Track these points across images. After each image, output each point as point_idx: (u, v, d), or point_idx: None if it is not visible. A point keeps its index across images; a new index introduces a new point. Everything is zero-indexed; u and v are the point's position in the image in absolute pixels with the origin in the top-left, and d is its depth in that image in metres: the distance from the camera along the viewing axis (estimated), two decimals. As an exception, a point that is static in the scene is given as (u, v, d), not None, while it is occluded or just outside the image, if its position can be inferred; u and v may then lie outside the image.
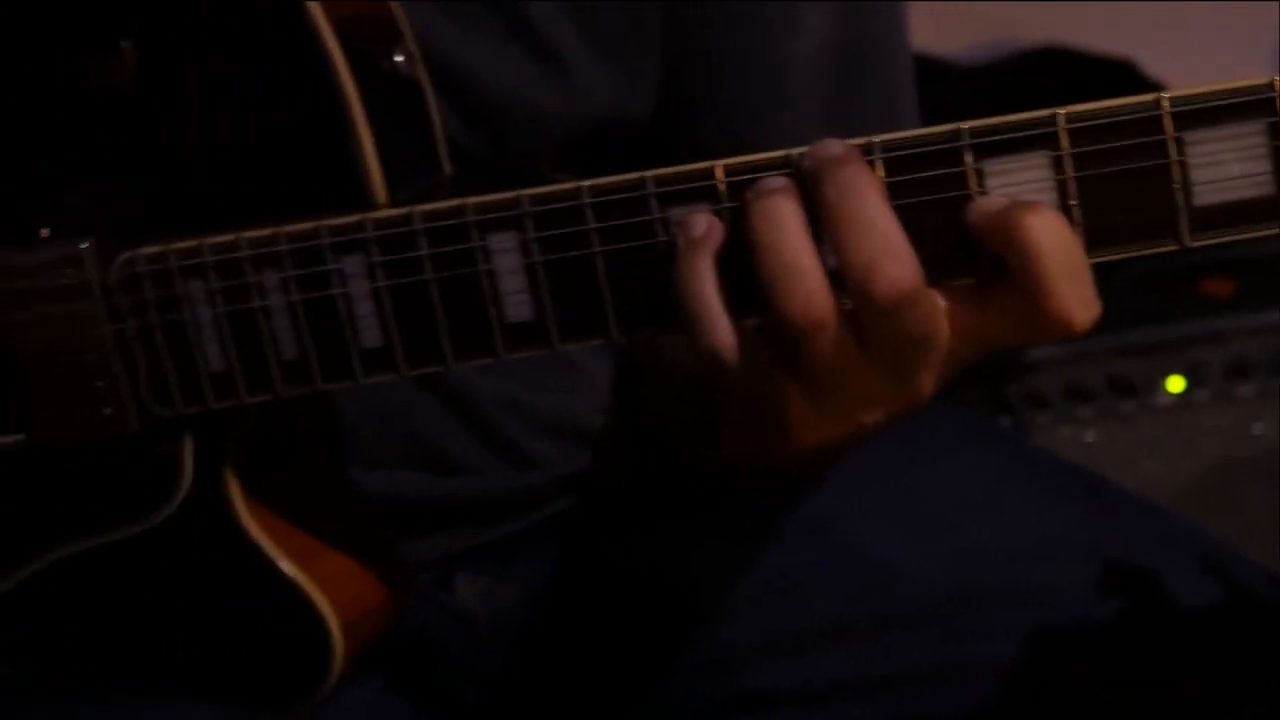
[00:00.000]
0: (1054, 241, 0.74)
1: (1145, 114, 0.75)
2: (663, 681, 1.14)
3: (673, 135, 1.07)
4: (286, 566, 0.92)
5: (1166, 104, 0.74)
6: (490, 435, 1.11)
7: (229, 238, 0.85)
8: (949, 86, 1.97)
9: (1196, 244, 0.76)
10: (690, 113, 1.08)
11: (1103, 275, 0.78)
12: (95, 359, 0.89)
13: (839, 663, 1.10)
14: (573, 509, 1.15)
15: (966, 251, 0.77)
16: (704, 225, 0.78)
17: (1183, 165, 0.75)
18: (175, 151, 0.88)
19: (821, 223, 0.76)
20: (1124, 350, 1.68)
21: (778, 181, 0.77)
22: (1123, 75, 1.92)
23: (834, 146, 0.76)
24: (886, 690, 1.09)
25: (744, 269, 0.78)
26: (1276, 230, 0.76)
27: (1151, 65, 1.94)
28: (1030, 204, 0.75)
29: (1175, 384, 1.67)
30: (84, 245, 0.88)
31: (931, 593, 1.09)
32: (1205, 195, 0.75)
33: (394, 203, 0.86)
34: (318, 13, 0.85)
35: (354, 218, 0.84)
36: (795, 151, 0.78)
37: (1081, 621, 1.05)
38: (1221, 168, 0.75)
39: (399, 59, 0.89)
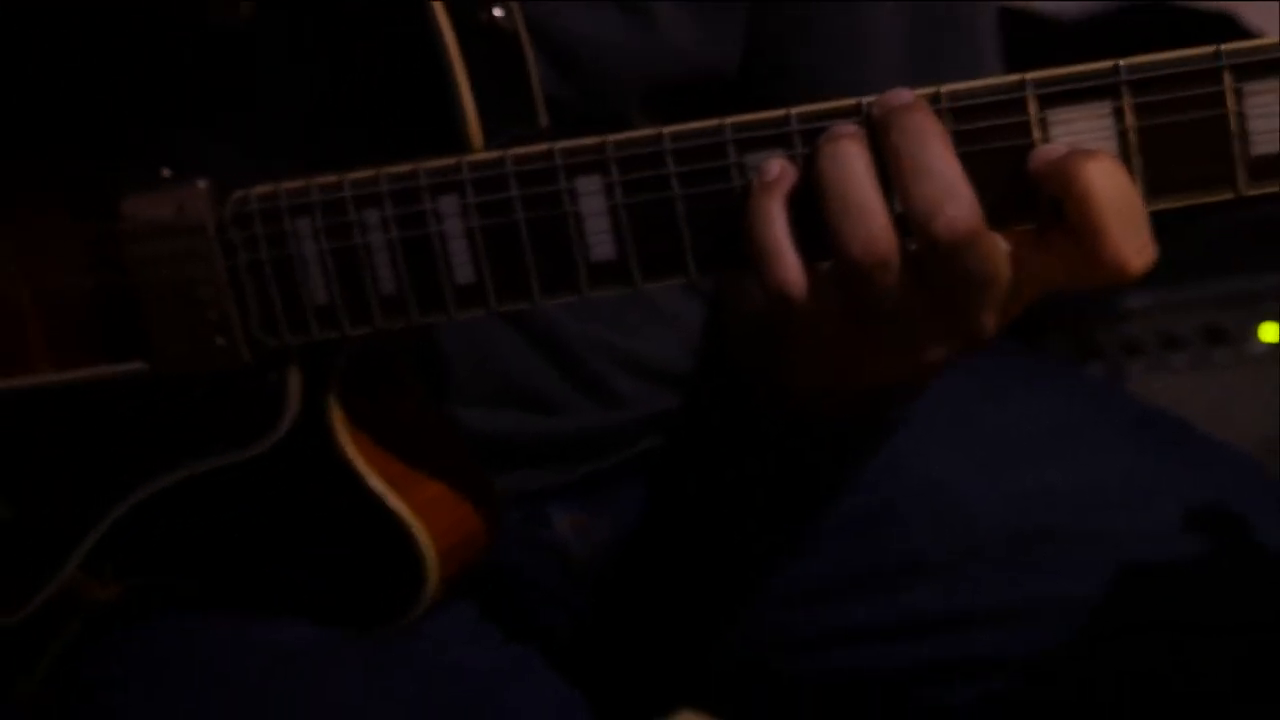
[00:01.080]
0: (1111, 188, 0.75)
1: (1205, 66, 0.76)
2: (746, 616, 1.16)
3: (757, 90, 1.07)
4: (384, 492, 0.94)
5: (1225, 55, 0.75)
6: (581, 376, 1.12)
7: (334, 178, 0.88)
8: (1053, 42, 1.94)
9: (1253, 193, 0.77)
10: (774, 67, 1.08)
11: (1179, 224, 0.80)
12: (209, 292, 0.91)
13: (916, 599, 1.11)
14: (661, 447, 1.16)
15: (1028, 197, 0.78)
16: (777, 169, 0.80)
17: (1240, 115, 0.75)
18: (286, 94, 0.90)
19: (888, 167, 0.78)
20: (1219, 298, 1.66)
21: (847, 127, 0.79)
22: (1225, 27, 1.89)
23: (902, 95, 0.78)
24: (962, 626, 1.10)
25: (814, 213, 0.79)
26: (1333, 179, 0.76)
27: (1252, 17, 1.91)
28: (1089, 152, 0.76)
29: (1270, 332, 1.65)
30: (201, 184, 0.90)
31: (1009, 531, 1.09)
32: (1262, 145, 0.76)
33: (489, 149, 0.87)
34: None
35: (450, 160, 0.86)
36: (866, 100, 0.79)
37: (1158, 565, 1.06)
38: (1278, 118, 0.75)
39: (498, 12, 0.90)
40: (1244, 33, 1.88)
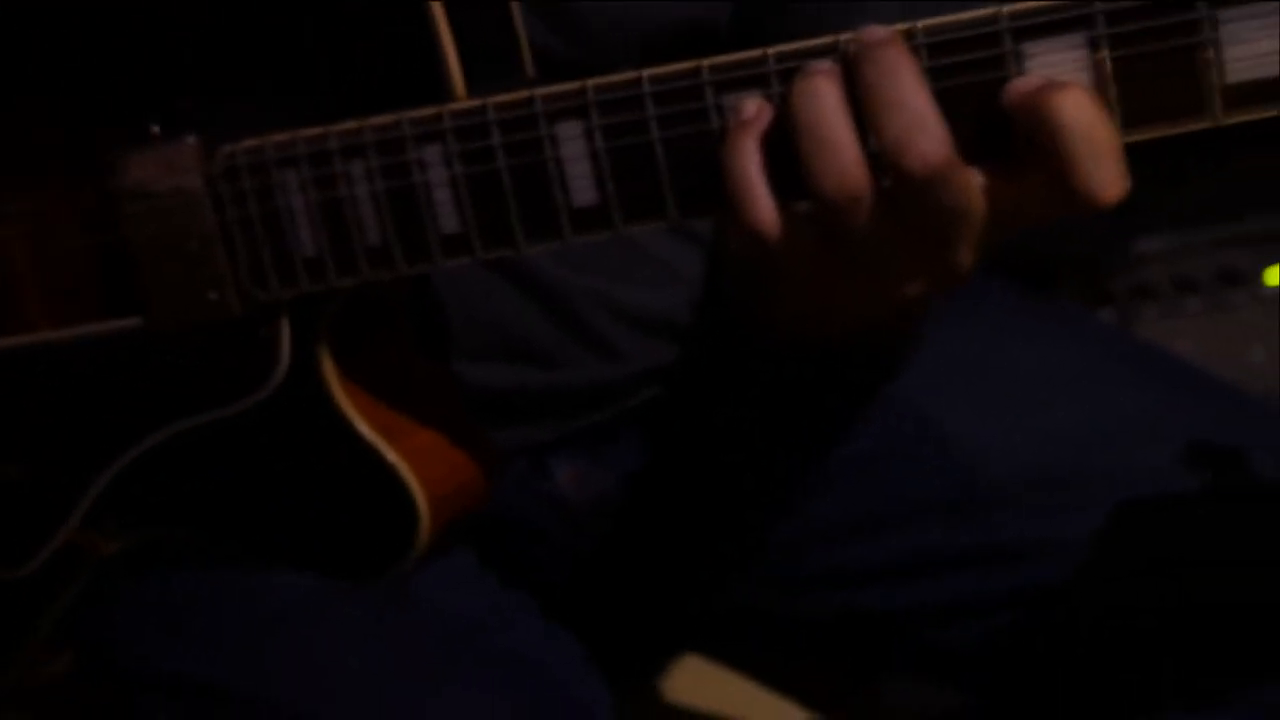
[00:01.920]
0: (1081, 119, 0.75)
1: (1177, -7, 0.75)
2: (747, 560, 1.16)
3: (752, 40, 1.07)
4: (376, 440, 0.94)
5: None
6: (579, 328, 1.12)
7: (319, 131, 0.88)
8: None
9: (1229, 120, 0.76)
10: (767, 21, 1.06)
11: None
12: (200, 246, 0.91)
13: (918, 541, 1.12)
14: (662, 398, 1.17)
15: (1002, 130, 0.78)
16: (753, 109, 0.80)
17: (1215, 43, 0.75)
18: (268, 48, 0.90)
19: (861, 103, 0.78)
20: (1230, 239, 1.65)
21: (821, 64, 0.79)
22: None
23: (877, 31, 0.78)
24: (964, 567, 1.11)
25: (789, 150, 0.79)
26: (1308, 105, 0.76)
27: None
28: (1061, 84, 0.75)
29: (1273, 276, 1.65)
30: (190, 140, 0.91)
31: (1010, 473, 1.10)
32: (1237, 73, 0.75)
33: (472, 98, 0.87)
34: None
35: (433, 110, 0.86)
36: (844, 37, 0.79)
37: (1163, 503, 1.06)
38: (1252, 45, 0.75)
39: None
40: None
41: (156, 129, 0.92)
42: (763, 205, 0.80)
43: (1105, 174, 0.75)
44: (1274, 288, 1.67)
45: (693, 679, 1.34)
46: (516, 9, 0.92)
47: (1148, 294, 1.68)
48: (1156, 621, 1.06)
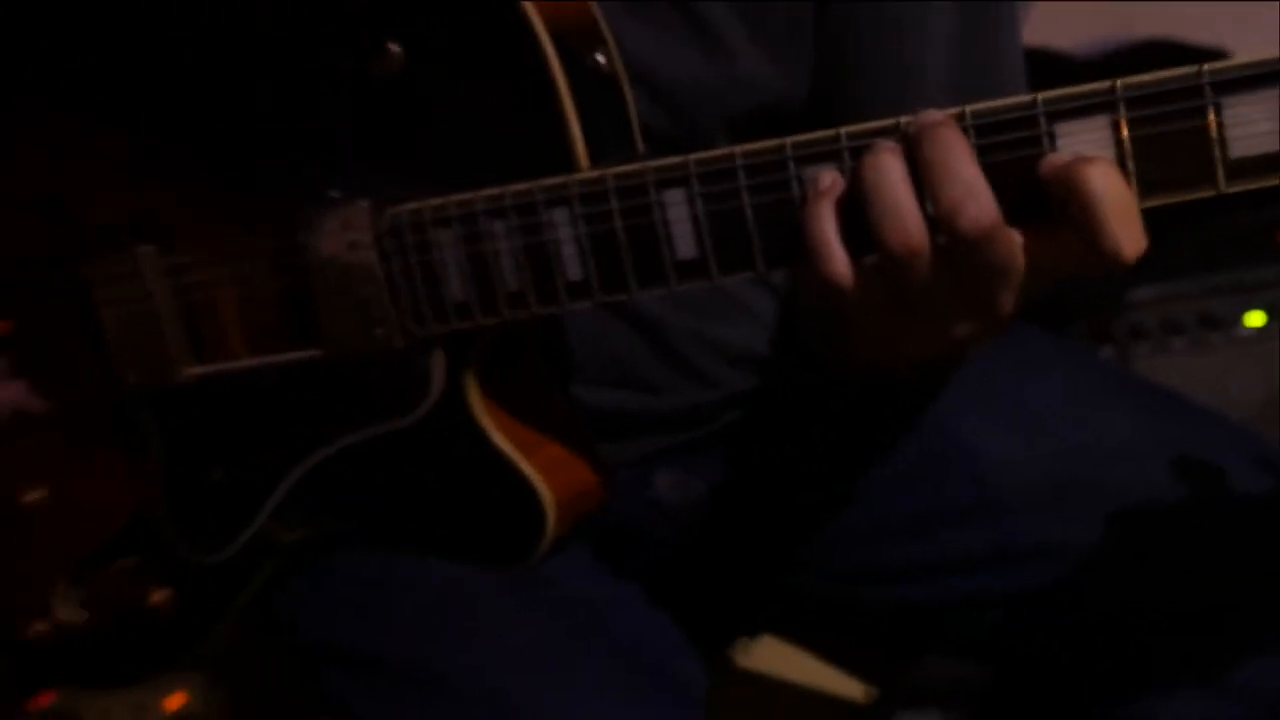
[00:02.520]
0: (1108, 189, 0.74)
1: (1189, 84, 0.74)
2: (813, 554, 1.15)
3: (821, 115, 1.05)
4: (512, 454, 0.93)
5: (1206, 74, 0.74)
6: (677, 360, 1.11)
7: (468, 196, 0.88)
8: (1070, 76, 1.92)
9: (1232, 190, 0.75)
10: (836, 102, 1.06)
11: (1170, 217, 0.78)
12: (370, 291, 0.91)
13: (949, 542, 1.10)
14: (746, 419, 1.16)
15: (1039, 198, 0.77)
16: (829, 180, 0.79)
17: (1220, 125, 0.74)
18: (428, 128, 0.90)
19: (920, 174, 0.77)
20: (1212, 289, 1.63)
21: (887, 143, 0.78)
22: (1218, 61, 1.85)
23: (934, 114, 0.77)
24: (988, 565, 1.09)
25: (860, 216, 0.79)
26: (1301, 177, 0.74)
27: (1243, 53, 1.87)
28: (1090, 159, 0.75)
29: (1255, 318, 1.62)
30: (363, 203, 0.91)
31: (1035, 486, 1.08)
32: (1238, 149, 0.74)
33: (594, 169, 0.87)
34: (536, 20, 0.86)
35: (562, 179, 0.86)
36: (904, 119, 0.79)
37: (1154, 511, 1.04)
38: (1252, 125, 0.74)
39: (600, 58, 0.89)
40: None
41: (336, 194, 0.92)
42: (837, 260, 0.79)
43: (1127, 235, 0.74)
44: (1248, 329, 1.64)
45: (767, 653, 1.33)
46: (629, 94, 0.91)
47: (1141, 335, 1.66)
48: (1147, 612, 1.05)
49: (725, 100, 1.04)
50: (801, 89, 1.06)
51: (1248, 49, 2.01)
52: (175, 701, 1.62)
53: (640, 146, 0.91)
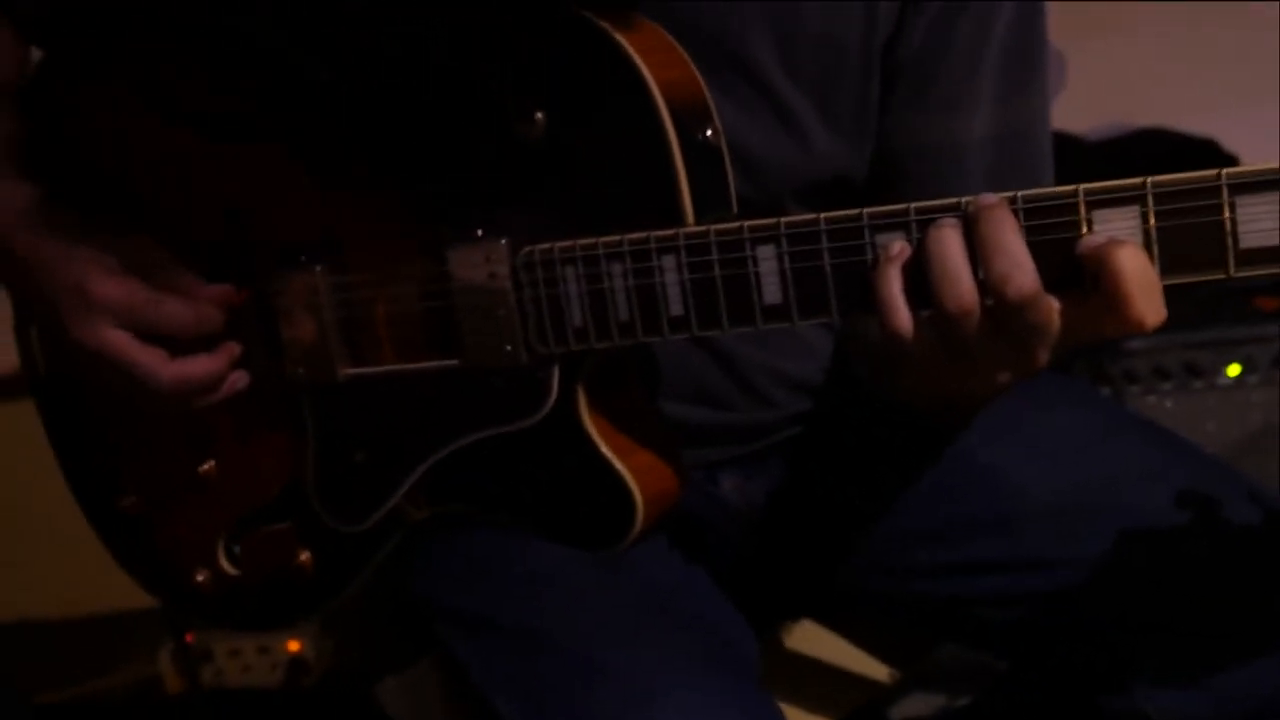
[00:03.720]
0: (1135, 268, 0.75)
1: (1209, 184, 0.75)
2: (853, 554, 1.15)
3: (878, 189, 1.06)
4: (612, 458, 0.94)
5: (1224, 177, 0.75)
6: (746, 384, 1.12)
7: (591, 241, 0.90)
8: (1079, 156, 1.92)
9: (1240, 274, 0.77)
10: (894, 175, 1.06)
11: (1182, 292, 0.79)
12: (504, 313, 0.93)
13: (972, 548, 1.10)
14: (800, 435, 1.17)
15: (1075, 272, 0.78)
16: (898, 247, 0.81)
17: (1233, 220, 0.75)
18: (561, 182, 0.91)
19: (975, 247, 0.78)
20: (1197, 344, 1.64)
21: (949, 219, 0.80)
22: (1208, 150, 1.86)
23: (990, 197, 0.79)
24: (1006, 570, 1.09)
25: (921, 277, 0.80)
26: (1300, 267, 0.75)
27: (1229, 142, 1.88)
28: (1121, 241, 0.76)
29: (1233, 370, 1.63)
30: (503, 241, 0.93)
31: (1049, 505, 1.08)
32: (1248, 240, 0.75)
33: (698, 225, 0.88)
34: (659, 101, 0.87)
35: (672, 231, 0.88)
36: (964, 200, 0.80)
37: (1158, 531, 1.04)
38: (1261, 222, 0.75)
39: (709, 133, 0.90)
40: (1225, 154, 1.84)
41: (480, 231, 0.94)
42: (901, 314, 0.81)
43: (1150, 307, 0.76)
44: (1227, 379, 1.64)
45: (807, 635, 1.34)
46: (729, 165, 0.92)
47: (1133, 378, 1.66)
48: (1141, 619, 1.05)
49: (798, 173, 1.04)
50: (863, 165, 1.06)
51: (1231, 136, 2.02)
52: (293, 645, 1.67)
53: (735, 207, 0.92)
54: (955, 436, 1.10)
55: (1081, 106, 1.88)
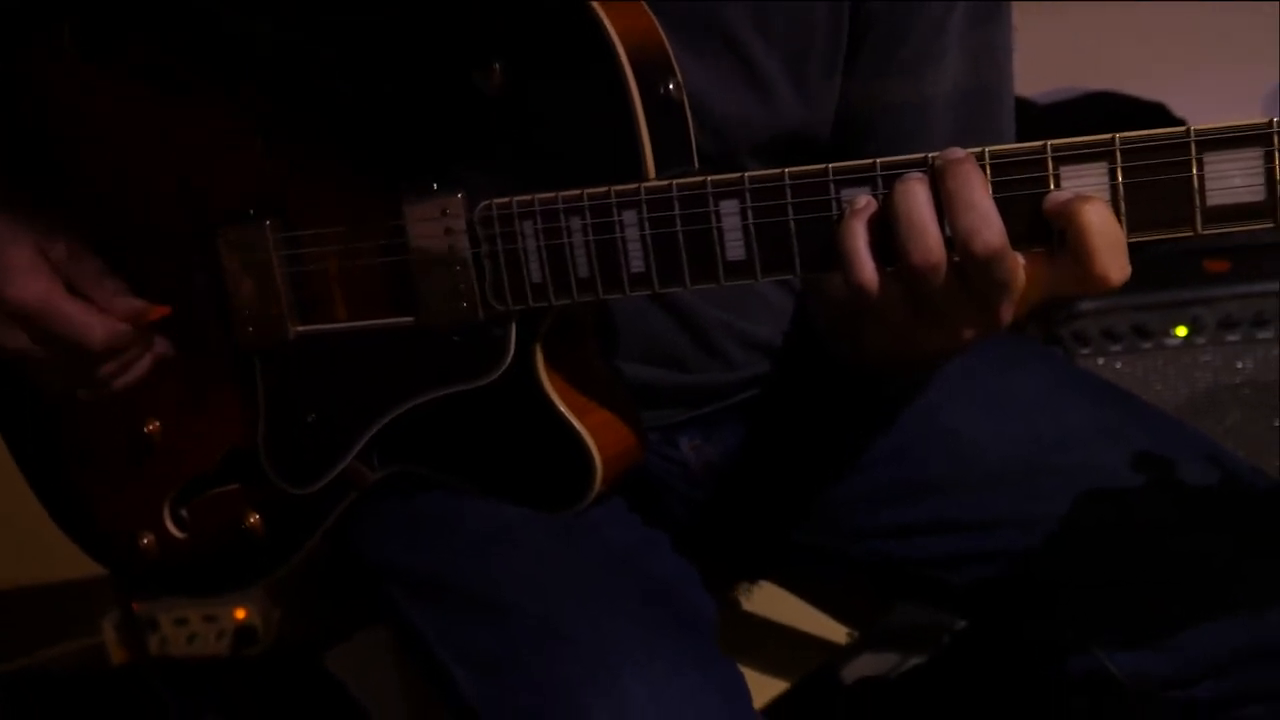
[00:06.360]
0: (1101, 224, 0.74)
1: (1177, 140, 0.75)
2: (809, 514, 1.15)
3: (847, 152, 1.05)
4: (569, 416, 0.94)
5: (1193, 134, 0.75)
6: (706, 345, 1.12)
7: (550, 195, 0.88)
8: (1030, 119, 1.92)
9: (1207, 232, 0.76)
10: (861, 136, 1.05)
11: (1135, 251, 0.79)
12: (459, 269, 0.92)
13: (930, 509, 1.10)
14: (759, 396, 1.16)
15: (1042, 228, 0.78)
16: (863, 200, 0.80)
17: (1200, 177, 0.75)
18: (519, 135, 0.90)
19: (942, 202, 0.78)
20: (1146, 305, 1.64)
21: (916, 174, 0.79)
22: (1158, 114, 1.86)
23: (957, 152, 0.78)
24: (962, 530, 1.09)
25: (887, 231, 0.80)
26: (1265, 225, 0.75)
27: (1177, 108, 1.89)
28: (1088, 196, 0.75)
29: (1181, 331, 1.64)
30: (459, 195, 0.91)
31: (1006, 464, 1.08)
32: (1215, 198, 0.75)
33: (659, 179, 0.87)
34: (621, 53, 0.86)
35: (633, 186, 0.86)
36: (931, 154, 0.79)
37: (1115, 490, 1.04)
38: (1228, 179, 0.75)
39: (670, 86, 0.89)
40: (1174, 118, 1.85)
41: (435, 185, 0.92)
42: (867, 269, 0.80)
43: (1115, 264, 0.75)
44: (1174, 340, 1.65)
45: (765, 597, 1.33)
46: (690, 119, 0.91)
47: (1083, 339, 1.66)
48: (1104, 578, 1.04)
49: (761, 130, 1.03)
50: (826, 125, 1.06)
51: (1179, 99, 2.02)
52: (240, 614, 1.64)
53: (696, 163, 0.91)
54: (912, 397, 1.10)
55: (1031, 71, 1.87)
